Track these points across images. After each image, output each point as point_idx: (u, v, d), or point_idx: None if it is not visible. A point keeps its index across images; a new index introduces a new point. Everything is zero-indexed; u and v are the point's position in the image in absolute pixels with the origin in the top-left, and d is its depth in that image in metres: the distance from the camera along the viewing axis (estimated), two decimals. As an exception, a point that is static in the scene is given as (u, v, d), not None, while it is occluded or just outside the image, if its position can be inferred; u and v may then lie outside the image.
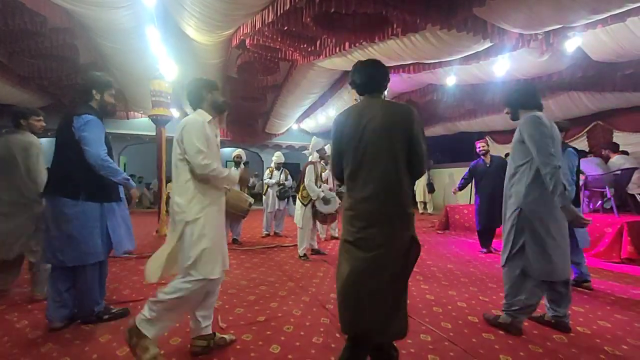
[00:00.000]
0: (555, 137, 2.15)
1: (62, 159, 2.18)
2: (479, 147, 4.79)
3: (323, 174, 4.79)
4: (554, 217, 2.11)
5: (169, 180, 3.37)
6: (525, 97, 2.28)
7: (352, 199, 1.57)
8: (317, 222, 4.60)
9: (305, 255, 4.36)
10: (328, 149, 4.90)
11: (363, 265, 1.49)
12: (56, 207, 2.15)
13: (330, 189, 4.65)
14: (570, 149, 3.10)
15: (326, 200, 4.31)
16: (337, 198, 4.40)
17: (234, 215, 4.44)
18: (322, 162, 4.72)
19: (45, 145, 3.14)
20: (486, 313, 2.45)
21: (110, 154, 2.26)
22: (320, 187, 4.42)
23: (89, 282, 2.23)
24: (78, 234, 2.14)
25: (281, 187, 5.98)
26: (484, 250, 4.76)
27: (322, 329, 2.24)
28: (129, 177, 2.30)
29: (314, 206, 4.36)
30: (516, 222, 2.19)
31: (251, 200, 4.51)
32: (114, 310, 2.37)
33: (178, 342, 2.04)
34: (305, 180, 4.33)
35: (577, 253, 3.06)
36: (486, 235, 4.77)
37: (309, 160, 4.54)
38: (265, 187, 6.17)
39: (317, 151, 4.53)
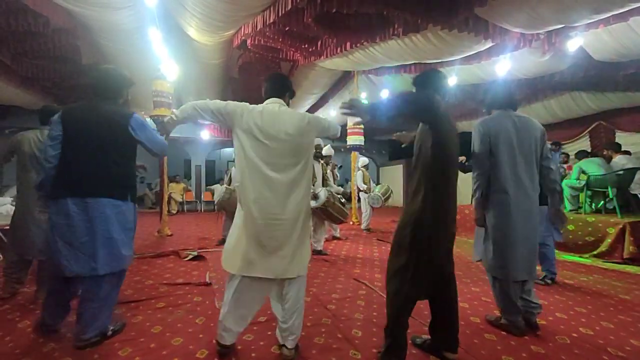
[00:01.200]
0: (511, 135, 2.19)
1: (105, 158, 2.01)
2: None
3: (328, 173, 4.71)
4: (509, 216, 2.14)
5: (170, 180, 3.36)
6: (496, 97, 2.36)
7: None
8: (326, 224, 4.55)
9: (307, 254, 4.31)
10: (326, 150, 4.87)
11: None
12: (92, 209, 1.96)
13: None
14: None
15: (315, 196, 4.22)
16: (326, 193, 3.99)
17: (229, 213, 4.46)
18: (322, 162, 4.66)
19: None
20: (488, 314, 2.45)
21: None
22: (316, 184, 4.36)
23: (112, 290, 2.07)
24: (117, 236, 2.02)
25: None
26: None
27: (323, 330, 2.24)
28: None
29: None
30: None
31: None
32: (112, 328, 2.16)
33: (180, 342, 2.05)
34: None
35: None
36: None
37: None
38: None
39: None
